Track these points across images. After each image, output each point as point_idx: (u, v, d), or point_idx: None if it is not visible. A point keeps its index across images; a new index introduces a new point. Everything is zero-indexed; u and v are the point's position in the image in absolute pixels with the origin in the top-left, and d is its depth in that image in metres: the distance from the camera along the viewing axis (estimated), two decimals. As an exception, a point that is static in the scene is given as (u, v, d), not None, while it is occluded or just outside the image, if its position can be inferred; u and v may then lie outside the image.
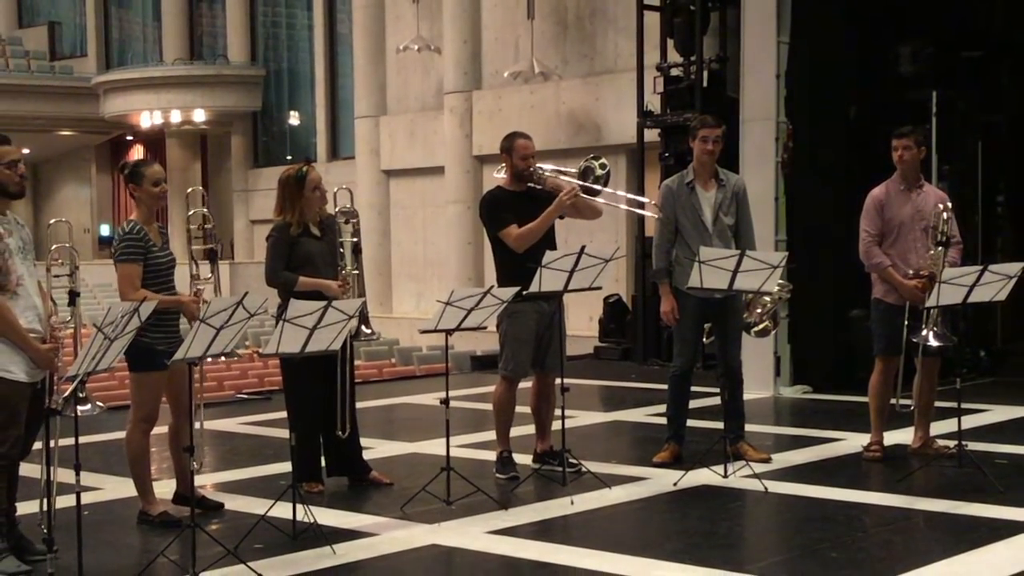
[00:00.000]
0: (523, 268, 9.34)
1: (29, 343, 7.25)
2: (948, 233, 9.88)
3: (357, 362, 15.36)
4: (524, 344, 9.75)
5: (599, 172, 9.92)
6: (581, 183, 9.80)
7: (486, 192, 10.15)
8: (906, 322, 9.82)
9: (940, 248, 9.81)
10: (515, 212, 9.68)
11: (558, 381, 9.73)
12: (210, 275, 8.57)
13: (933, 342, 9.69)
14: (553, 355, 9.87)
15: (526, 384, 10.14)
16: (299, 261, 9.27)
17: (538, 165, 9.84)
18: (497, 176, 10.15)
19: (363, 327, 9.36)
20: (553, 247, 9.57)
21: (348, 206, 9.49)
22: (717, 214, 10.10)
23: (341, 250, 9.30)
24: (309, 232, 9.34)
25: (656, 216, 10.31)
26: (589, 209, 9.89)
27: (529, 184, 9.78)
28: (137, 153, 41.51)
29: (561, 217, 9.76)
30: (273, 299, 8.69)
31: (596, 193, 9.87)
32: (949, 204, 10.05)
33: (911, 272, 9.89)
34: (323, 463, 9.62)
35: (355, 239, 9.40)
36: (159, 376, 8.21)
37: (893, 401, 10.21)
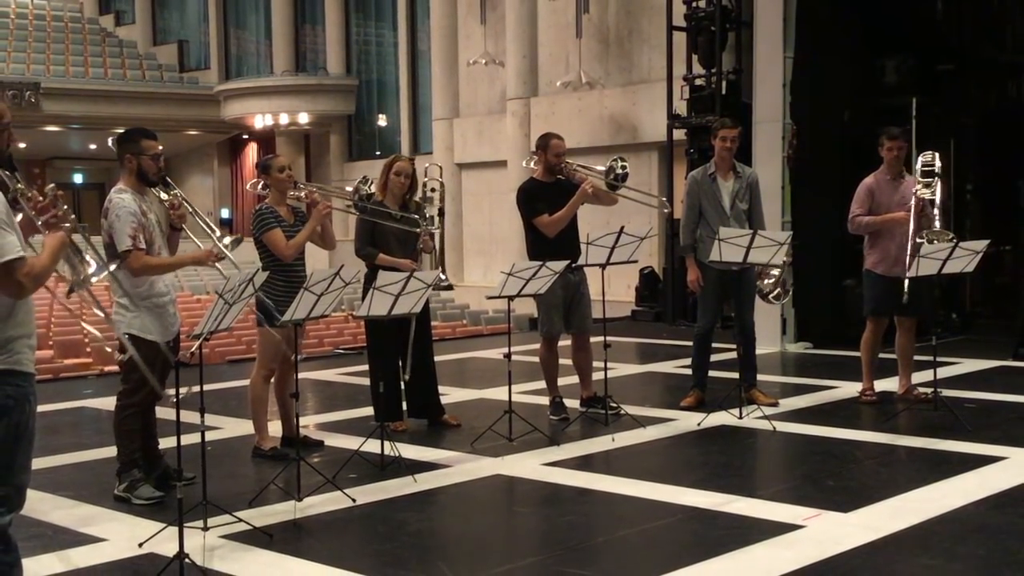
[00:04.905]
0: (552, 246, 9.45)
1: (186, 258, 7.45)
2: (935, 165, 9.84)
3: (434, 323, 15.43)
4: (555, 308, 9.76)
5: (619, 171, 9.92)
6: (603, 178, 9.85)
7: (522, 183, 10.10)
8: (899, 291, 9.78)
9: (932, 180, 9.74)
10: (547, 200, 9.68)
11: (600, 339, 9.75)
12: None
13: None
14: (581, 317, 9.90)
15: (567, 342, 10.15)
16: (379, 238, 9.30)
17: (567, 161, 9.83)
18: (529, 167, 10.12)
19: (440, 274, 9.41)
20: (575, 233, 9.70)
21: (436, 178, 9.64)
22: (734, 200, 10.09)
23: (427, 214, 9.35)
24: (389, 215, 9.33)
25: (665, 210, 10.37)
26: (607, 197, 9.90)
27: (558, 176, 9.79)
28: (251, 150, 41.64)
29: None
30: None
31: (616, 188, 9.90)
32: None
33: (892, 248, 9.91)
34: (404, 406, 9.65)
35: (440, 204, 9.54)
36: (278, 332, 8.24)
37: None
